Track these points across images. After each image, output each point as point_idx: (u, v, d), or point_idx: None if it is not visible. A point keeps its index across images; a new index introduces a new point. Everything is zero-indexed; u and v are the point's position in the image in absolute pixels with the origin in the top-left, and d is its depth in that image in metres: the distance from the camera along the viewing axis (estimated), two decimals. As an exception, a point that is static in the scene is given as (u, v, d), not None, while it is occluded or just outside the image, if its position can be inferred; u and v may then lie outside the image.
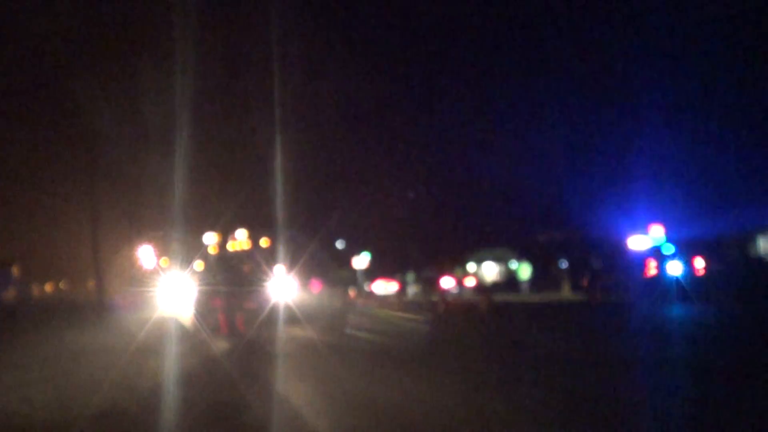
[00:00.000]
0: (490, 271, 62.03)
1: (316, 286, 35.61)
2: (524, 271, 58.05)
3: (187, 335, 17.16)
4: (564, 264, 41.78)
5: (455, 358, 11.22)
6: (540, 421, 6.47)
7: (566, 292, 34.27)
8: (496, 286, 36.62)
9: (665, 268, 28.40)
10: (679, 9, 37.42)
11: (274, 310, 18.82)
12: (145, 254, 46.64)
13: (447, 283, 40.30)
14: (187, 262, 24.78)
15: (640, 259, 28.86)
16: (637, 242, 30.87)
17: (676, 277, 26.45)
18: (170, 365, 11.53)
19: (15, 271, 70.62)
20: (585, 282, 30.92)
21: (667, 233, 32.51)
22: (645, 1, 41.30)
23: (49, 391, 8.89)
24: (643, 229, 31.80)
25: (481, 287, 36.46)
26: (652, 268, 29.23)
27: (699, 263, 28.24)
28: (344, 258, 57.29)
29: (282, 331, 17.60)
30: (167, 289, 26.84)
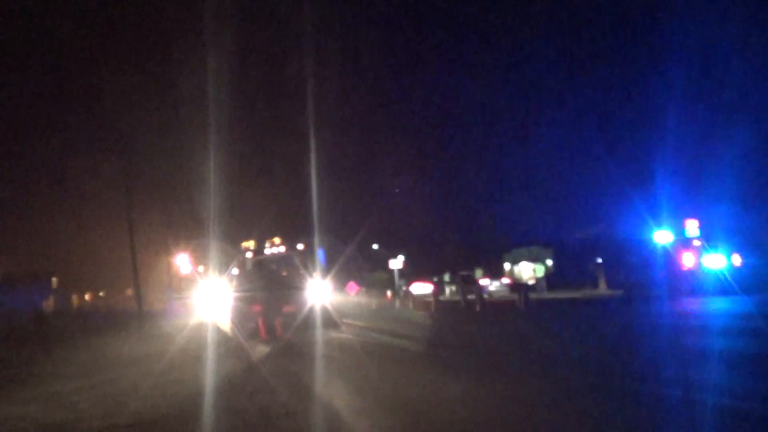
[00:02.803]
0: (526, 269, 61.82)
1: (353, 289, 35.69)
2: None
3: (225, 340, 17.24)
4: (599, 260, 41.53)
5: (490, 358, 11.09)
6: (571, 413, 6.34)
7: (603, 288, 33.97)
8: (531, 284, 36.35)
9: (702, 262, 28.08)
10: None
11: (311, 313, 18.85)
12: (183, 262, 47.24)
13: (483, 281, 40.09)
14: (224, 268, 24.94)
15: (676, 253, 28.59)
16: (669, 237, 30.58)
17: (716, 270, 26.09)
18: (210, 371, 11.55)
19: (54, 282, 71.92)
20: (622, 278, 30.69)
21: (701, 227, 32.21)
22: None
23: (92, 399, 8.93)
24: (678, 223, 31.53)
25: (517, 285, 36.18)
26: (688, 262, 28.92)
27: (736, 256, 27.88)
28: (380, 260, 57.44)
29: (319, 334, 17.61)
30: (205, 296, 27.05)
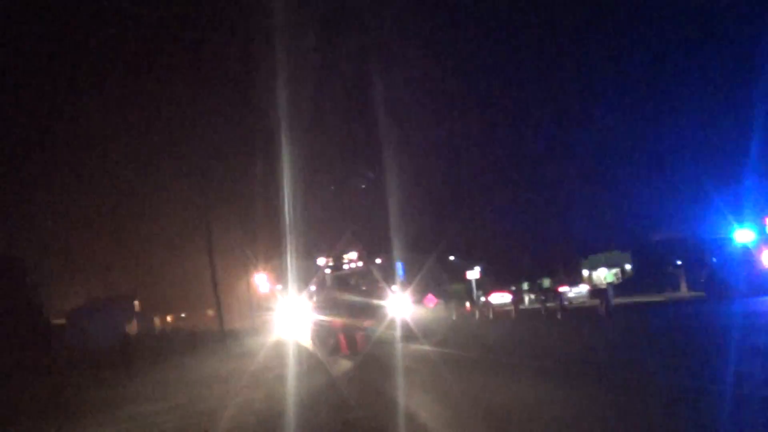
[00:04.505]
0: (604, 274, 60.76)
1: (431, 301, 35.47)
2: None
3: (307, 356, 17.23)
4: (679, 262, 40.45)
5: (570, 366, 10.68)
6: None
7: (684, 291, 32.99)
8: (611, 289, 35.52)
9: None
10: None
11: (391, 327, 18.73)
12: (261, 281, 47.83)
13: (563, 289, 39.40)
14: (302, 285, 25.05)
15: (758, 252, 27.61)
16: (748, 235, 29.56)
17: None
18: (294, 388, 11.47)
19: (137, 305, 73.78)
20: (703, 278, 29.77)
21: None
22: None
23: (177, 420, 8.95)
24: (758, 221, 30.49)
25: (597, 290, 35.40)
26: (768, 261, 27.86)
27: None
28: (457, 272, 57.20)
29: (400, 347, 17.46)
30: (285, 314, 27.22)
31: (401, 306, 20.23)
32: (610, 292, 25.56)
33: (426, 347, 17.00)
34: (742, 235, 29.31)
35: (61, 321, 60.93)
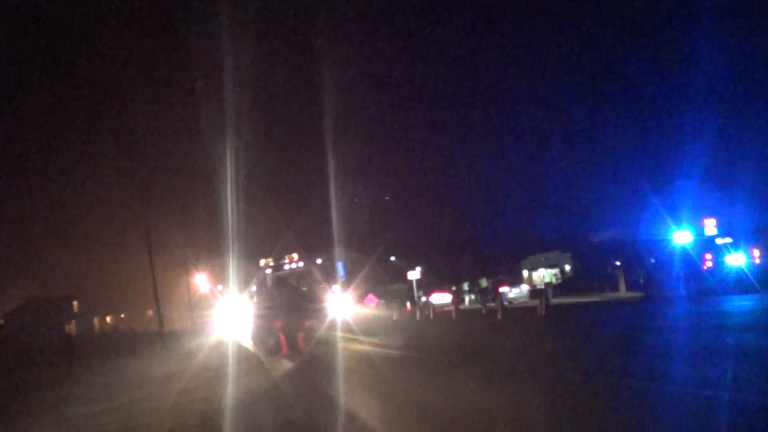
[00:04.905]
0: (543, 274, 61.83)
1: (372, 301, 35.69)
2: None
3: (248, 357, 17.25)
4: (617, 263, 41.38)
5: (508, 364, 10.98)
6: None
7: (623, 291, 33.79)
8: (549, 289, 36.09)
9: (722, 260, 27.96)
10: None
11: (332, 327, 18.85)
12: (201, 281, 47.40)
13: (503, 289, 39.97)
14: (243, 286, 25.00)
15: (695, 253, 28.56)
16: (686, 237, 30.53)
17: (737, 268, 25.95)
18: (235, 387, 11.56)
19: (75, 305, 72.40)
20: (642, 279, 30.54)
21: (718, 226, 32.16)
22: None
23: (120, 420, 8.98)
24: (695, 223, 31.53)
25: (537, 291, 35.95)
26: (708, 261, 28.81)
27: (756, 252, 27.73)
28: (398, 272, 57.52)
29: (341, 347, 17.61)
30: (225, 313, 27.12)
31: (342, 306, 20.39)
32: (549, 292, 26.10)
33: (367, 347, 17.19)
34: (680, 237, 30.20)
35: (-1, 322, 59.60)
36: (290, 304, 18.64)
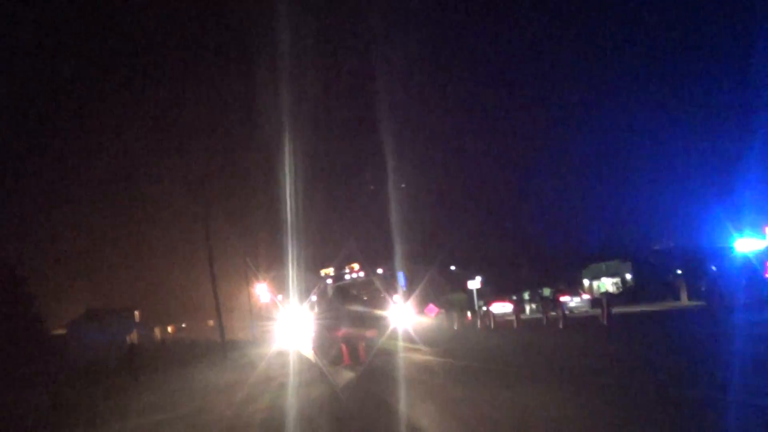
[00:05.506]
0: (605, 283, 60.88)
1: (433, 311, 35.46)
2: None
3: (309, 367, 17.24)
4: (679, 272, 40.51)
5: (572, 374, 10.64)
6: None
7: (684, 300, 32.95)
8: (612, 298, 35.43)
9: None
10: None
11: (393, 337, 18.73)
12: (262, 291, 47.82)
13: (564, 298, 39.38)
14: (303, 296, 25.07)
15: (758, 261, 27.66)
16: (749, 244, 29.63)
17: None
18: (296, 398, 11.50)
19: (137, 315, 73.78)
20: (703, 288, 29.75)
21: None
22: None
23: (183, 430, 8.99)
24: (758, 230, 30.60)
25: (598, 300, 35.31)
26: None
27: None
28: (459, 281, 57.22)
29: (402, 357, 17.46)
30: (286, 324, 27.24)
31: (403, 315, 20.24)
32: (606, 302, 25.53)
33: (429, 357, 17.00)
34: (743, 244, 29.33)
35: (61, 332, 60.88)
36: (352, 314, 18.55)
